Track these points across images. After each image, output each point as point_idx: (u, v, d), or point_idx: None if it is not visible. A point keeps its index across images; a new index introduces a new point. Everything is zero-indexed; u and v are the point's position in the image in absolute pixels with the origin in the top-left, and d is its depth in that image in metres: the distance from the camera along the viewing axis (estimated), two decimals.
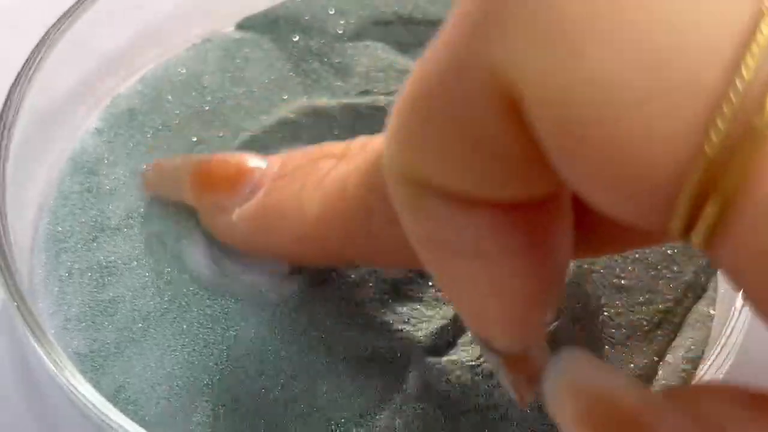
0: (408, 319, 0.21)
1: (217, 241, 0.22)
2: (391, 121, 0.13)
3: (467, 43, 0.11)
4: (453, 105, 0.11)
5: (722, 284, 0.22)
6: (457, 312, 0.14)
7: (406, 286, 0.21)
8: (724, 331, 0.20)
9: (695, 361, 0.21)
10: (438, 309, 0.21)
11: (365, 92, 0.25)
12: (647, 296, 0.22)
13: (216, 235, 0.21)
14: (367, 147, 0.18)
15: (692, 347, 0.21)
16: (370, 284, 0.21)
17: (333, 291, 0.21)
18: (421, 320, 0.21)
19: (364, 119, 0.24)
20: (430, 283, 0.21)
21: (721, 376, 0.19)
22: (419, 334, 0.21)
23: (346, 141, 0.19)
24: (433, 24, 0.26)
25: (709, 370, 0.19)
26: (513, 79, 0.11)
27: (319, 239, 0.18)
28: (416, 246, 0.14)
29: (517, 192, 0.12)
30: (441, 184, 0.12)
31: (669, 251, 0.22)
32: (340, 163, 0.18)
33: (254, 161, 0.20)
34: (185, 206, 0.22)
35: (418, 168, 0.12)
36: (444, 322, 0.21)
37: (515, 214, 0.12)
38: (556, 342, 0.21)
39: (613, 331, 0.21)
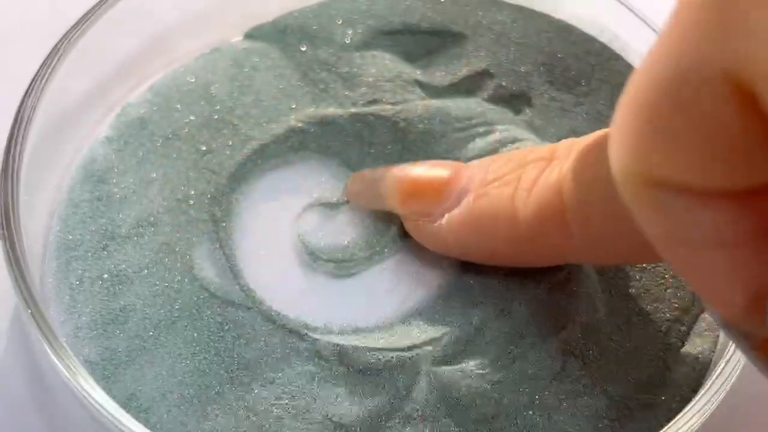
0: (418, 328, 0.21)
1: (228, 249, 0.22)
2: (618, 127, 0.14)
3: (697, 46, 0.12)
4: (689, 105, 0.12)
5: None
6: (701, 298, 0.15)
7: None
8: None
9: (703, 370, 0.21)
10: (449, 317, 0.21)
11: (373, 102, 0.25)
12: (654, 305, 0.22)
13: (422, 241, 0.22)
14: (575, 148, 0.19)
15: (700, 356, 0.21)
16: None
17: None
18: (431, 328, 0.21)
19: (371, 129, 0.25)
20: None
21: (730, 384, 0.19)
22: (430, 342, 0.21)
23: (551, 144, 0.20)
24: (439, 34, 0.26)
25: (718, 379, 0.19)
26: (749, 77, 0.11)
27: (535, 240, 0.19)
28: (656, 243, 0.14)
29: (755, 178, 0.13)
30: (681, 180, 0.13)
31: None
32: (550, 165, 0.19)
33: (457, 168, 0.21)
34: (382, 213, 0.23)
35: (655, 168, 0.13)
36: (455, 330, 0.21)
37: (753, 200, 0.13)
38: (564, 351, 0.21)
39: (621, 339, 0.21)
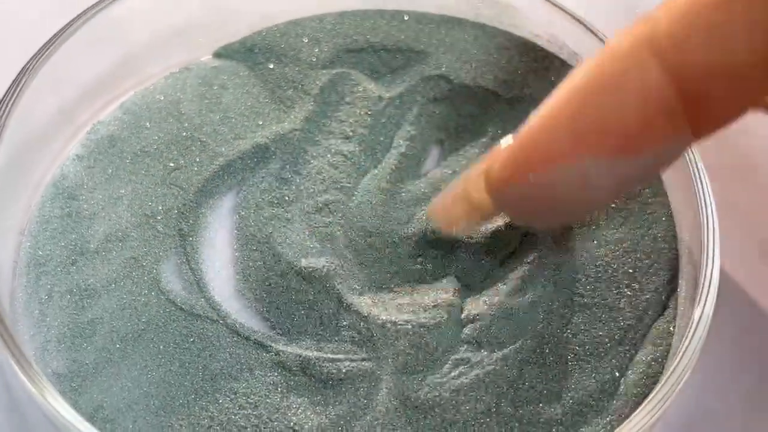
0: (379, 338, 0.21)
1: (194, 263, 0.23)
2: None
3: None
4: None
5: (682, 301, 0.23)
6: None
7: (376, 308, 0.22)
8: (680, 347, 0.20)
9: (655, 377, 0.21)
10: (408, 327, 0.21)
11: (338, 118, 0.26)
12: (610, 314, 0.22)
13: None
14: None
15: (653, 363, 0.22)
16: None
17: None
18: (391, 339, 0.21)
19: (337, 144, 0.25)
20: (399, 303, 0.22)
21: (678, 387, 0.20)
22: (389, 352, 0.21)
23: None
24: (403, 52, 0.27)
25: (666, 383, 0.20)
26: None
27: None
28: None
29: None
30: None
31: (630, 269, 0.23)
32: None
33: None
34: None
35: None
36: (414, 339, 0.21)
37: None
38: (521, 360, 0.21)
39: (577, 348, 0.22)
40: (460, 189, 0.21)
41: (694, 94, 0.17)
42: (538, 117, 0.19)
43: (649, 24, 0.18)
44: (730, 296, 0.24)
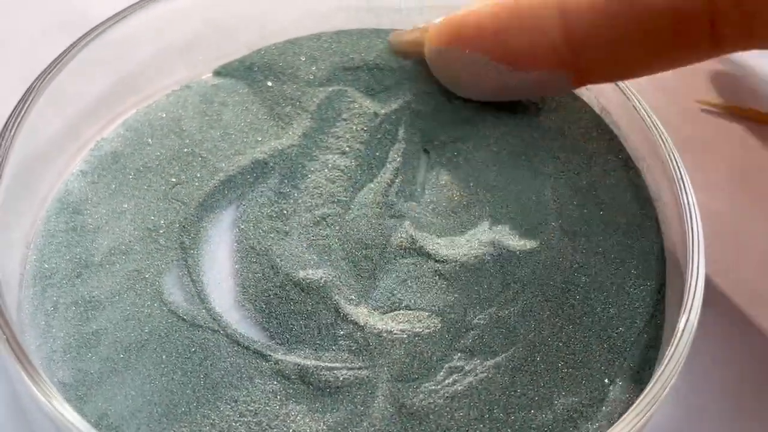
0: (375, 347, 0.22)
1: (195, 275, 0.24)
2: None
3: None
4: None
5: (668, 310, 0.23)
6: None
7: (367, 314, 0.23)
8: (667, 353, 0.21)
9: (643, 383, 0.22)
10: (402, 337, 0.22)
11: (335, 134, 0.26)
12: (599, 322, 0.23)
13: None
14: None
15: (641, 370, 0.22)
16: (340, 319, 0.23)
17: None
18: (387, 348, 0.22)
19: (334, 160, 0.26)
20: (394, 313, 0.23)
21: (664, 393, 0.20)
22: (385, 361, 0.22)
23: None
24: (393, 70, 0.28)
25: (653, 389, 0.20)
26: None
27: None
28: None
29: None
30: None
31: (619, 279, 0.24)
32: None
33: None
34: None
35: None
36: (409, 349, 0.22)
37: None
38: (513, 367, 0.22)
39: (567, 355, 0.22)
40: (418, 30, 0.27)
41: (577, 44, 0.23)
42: (467, 10, 0.25)
43: None
44: (715, 304, 0.25)
